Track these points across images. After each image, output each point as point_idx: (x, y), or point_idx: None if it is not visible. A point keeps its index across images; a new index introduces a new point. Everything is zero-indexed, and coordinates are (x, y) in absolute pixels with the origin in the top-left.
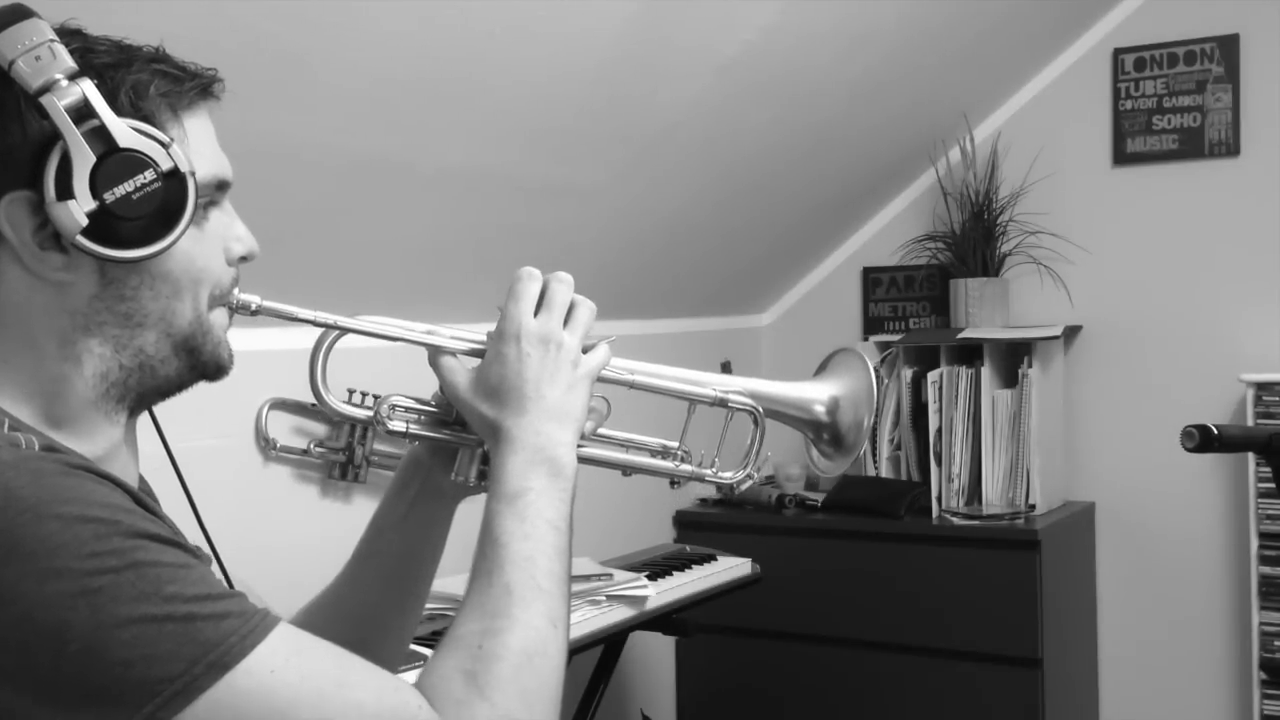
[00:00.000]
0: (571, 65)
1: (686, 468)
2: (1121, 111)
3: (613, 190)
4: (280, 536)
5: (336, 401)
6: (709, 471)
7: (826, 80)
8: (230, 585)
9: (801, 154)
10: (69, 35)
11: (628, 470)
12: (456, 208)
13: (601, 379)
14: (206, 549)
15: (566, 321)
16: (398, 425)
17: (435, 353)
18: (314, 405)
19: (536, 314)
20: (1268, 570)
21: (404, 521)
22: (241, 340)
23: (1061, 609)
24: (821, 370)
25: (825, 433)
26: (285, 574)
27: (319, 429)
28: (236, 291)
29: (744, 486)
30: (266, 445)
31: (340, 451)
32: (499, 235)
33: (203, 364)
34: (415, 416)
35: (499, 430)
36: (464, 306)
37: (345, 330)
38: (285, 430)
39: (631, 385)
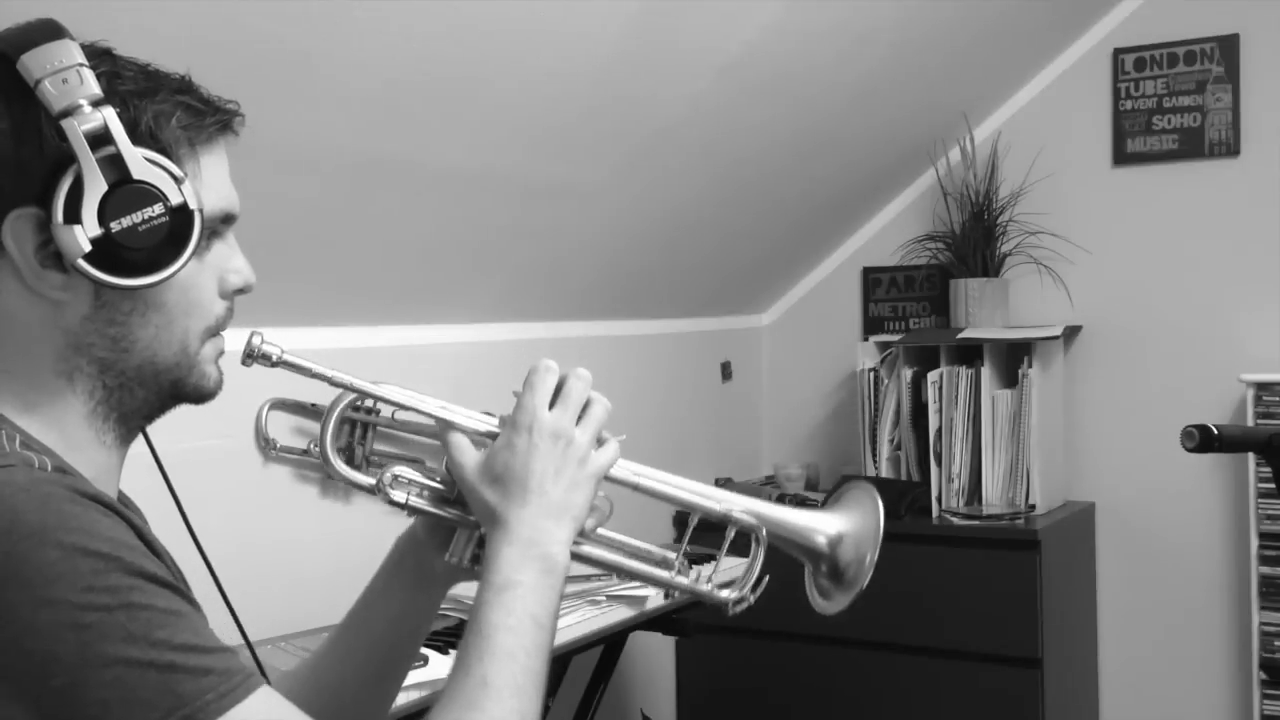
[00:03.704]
0: (573, 65)
1: (683, 580)
2: (1121, 111)
3: (613, 190)
4: (280, 536)
5: (343, 466)
6: (706, 587)
7: (827, 80)
8: (222, 590)
9: (802, 154)
10: (98, 57)
11: (623, 574)
12: (458, 207)
13: (607, 478)
14: (195, 553)
15: (580, 418)
16: (398, 496)
17: (447, 427)
18: (314, 405)
19: (552, 406)
20: (1268, 570)
21: (392, 598)
22: (241, 340)
23: (1061, 609)
24: (832, 498)
25: (824, 564)
26: (285, 574)
27: (319, 429)
28: (259, 341)
29: (740, 608)
30: (266, 445)
31: (340, 452)
32: (500, 235)
33: (185, 394)
34: (418, 489)
35: (497, 518)
36: (464, 306)
37: (361, 393)
38: (285, 430)
39: (636, 488)
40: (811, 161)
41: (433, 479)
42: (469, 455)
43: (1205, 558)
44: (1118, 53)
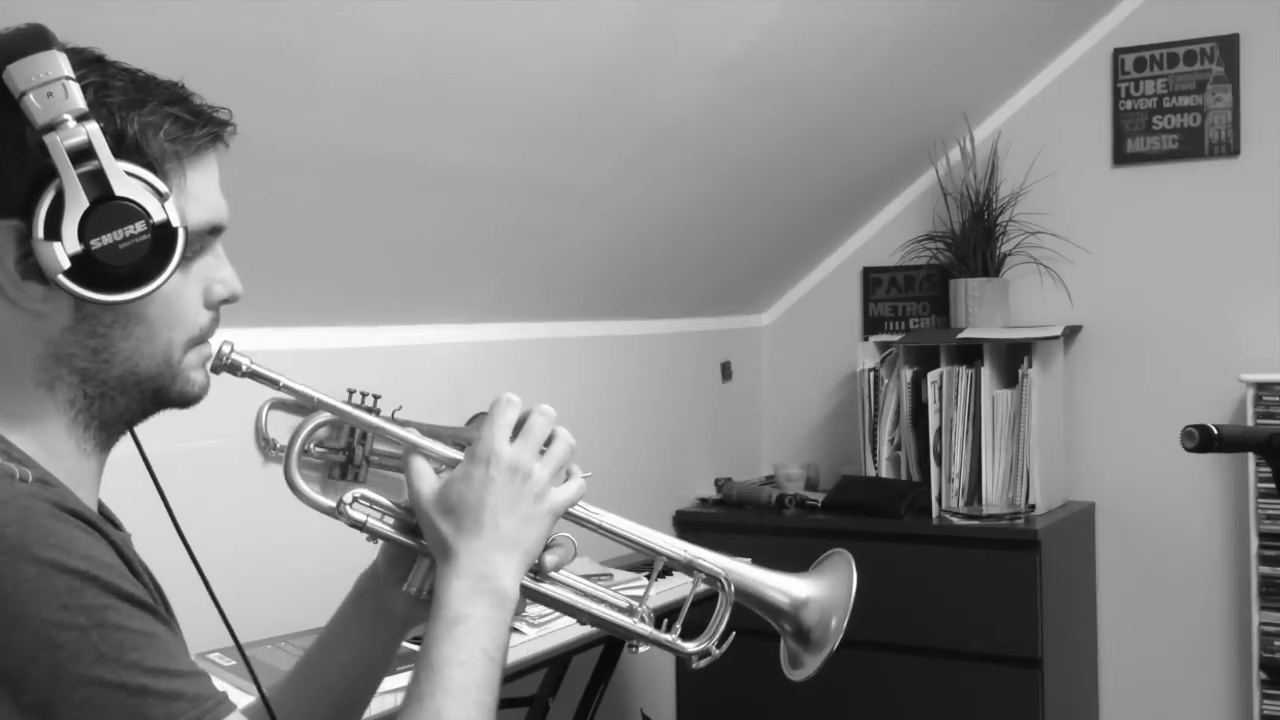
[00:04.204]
0: (573, 66)
1: (645, 628)
2: (1121, 111)
3: (614, 191)
4: (280, 536)
5: (305, 487)
6: (669, 637)
7: (827, 80)
8: (210, 590)
9: (802, 154)
10: (88, 65)
11: (584, 618)
12: (458, 208)
13: (570, 516)
14: (186, 557)
15: (543, 453)
16: (357, 515)
17: (411, 451)
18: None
19: (514, 440)
20: (1268, 570)
21: (351, 635)
22: (243, 340)
23: (1061, 609)
24: (813, 564)
25: (787, 624)
26: (285, 574)
27: (319, 429)
28: (228, 350)
29: (703, 662)
30: (266, 445)
31: (340, 451)
32: (500, 235)
33: (169, 400)
34: (380, 513)
35: (448, 550)
36: (464, 306)
37: (326, 408)
38: (285, 430)
39: (599, 527)
40: (811, 161)
41: (396, 505)
42: (427, 481)
43: (1205, 558)
44: (1118, 53)
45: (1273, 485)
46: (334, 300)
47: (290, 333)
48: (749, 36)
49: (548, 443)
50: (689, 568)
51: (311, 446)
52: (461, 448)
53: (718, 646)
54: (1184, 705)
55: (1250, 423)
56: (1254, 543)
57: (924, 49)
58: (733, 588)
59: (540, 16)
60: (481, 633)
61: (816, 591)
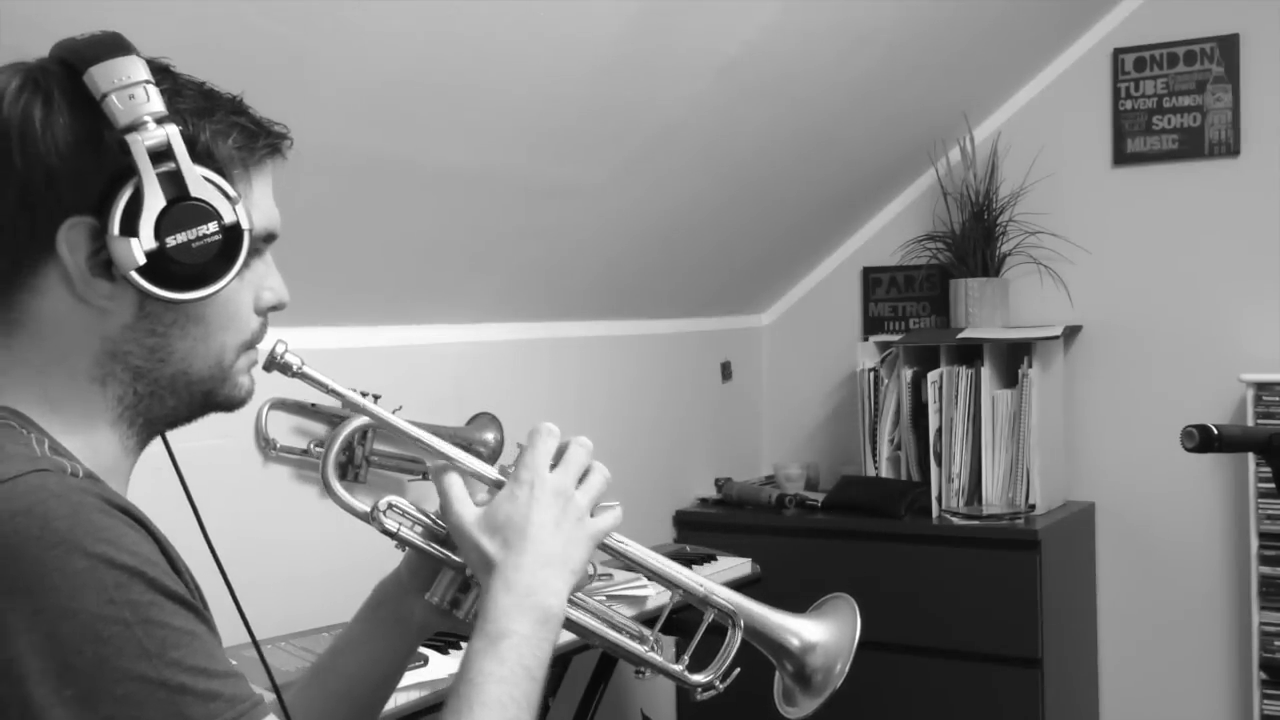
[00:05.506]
0: (572, 66)
1: (656, 657)
2: (1121, 111)
3: (613, 191)
4: (280, 536)
5: (341, 490)
6: (677, 667)
7: (827, 80)
8: (232, 591)
9: (802, 154)
10: (159, 73)
11: (597, 641)
12: (457, 208)
13: (600, 545)
14: (207, 554)
15: (581, 482)
16: (390, 525)
17: (447, 467)
18: (314, 406)
19: (553, 468)
20: (1268, 570)
21: (368, 641)
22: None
23: (1061, 609)
24: (813, 606)
25: (790, 665)
26: (285, 574)
27: (319, 429)
28: (282, 350)
29: (707, 695)
30: (266, 445)
31: (340, 451)
32: (500, 235)
33: (216, 403)
34: (410, 522)
35: (494, 567)
36: (464, 306)
37: (372, 416)
38: (285, 430)
39: (624, 556)
40: (811, 161)
41: (426, 514)
42: (466, 503)
43: (1205, 558)
44: (1118, 53)
45: (1273, 485)
46: (334, 300)
47: (290, 332)
48: (749, 36)
49: (585, 474)
50: (704, 602)
51: (312, 446)
52: (490, 463)
53: (722, 681)
54: (1184, 705)
55: (1250, 423)
56: (1254, 543)
57: (924, 49)
58: (743, 624)
59: (540, 16)
60: (525, 649)
61: (824, 636)
